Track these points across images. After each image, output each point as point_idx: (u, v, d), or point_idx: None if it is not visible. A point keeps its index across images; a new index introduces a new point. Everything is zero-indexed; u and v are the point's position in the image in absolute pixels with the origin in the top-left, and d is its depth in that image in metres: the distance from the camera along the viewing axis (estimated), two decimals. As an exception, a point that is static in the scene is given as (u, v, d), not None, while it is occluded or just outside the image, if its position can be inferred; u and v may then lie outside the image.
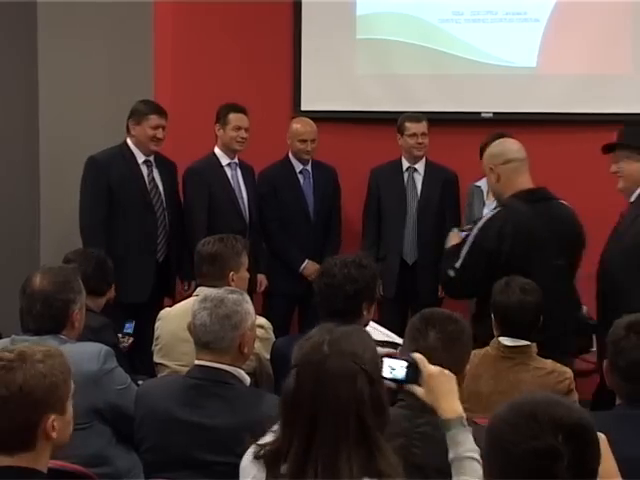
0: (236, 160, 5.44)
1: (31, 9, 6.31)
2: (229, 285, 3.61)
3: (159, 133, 5.14)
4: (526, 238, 3.92)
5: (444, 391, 2.26)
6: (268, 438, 2.08)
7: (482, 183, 5.40)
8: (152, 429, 2.85)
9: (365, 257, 3.49)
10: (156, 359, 3.75)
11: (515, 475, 1.58)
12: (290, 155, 5.67)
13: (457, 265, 3.98)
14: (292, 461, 1.95)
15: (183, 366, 3.40)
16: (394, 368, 2.27)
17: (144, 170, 5.17)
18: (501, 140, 4.32)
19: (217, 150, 5.41)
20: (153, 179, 5.20)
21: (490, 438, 1.64)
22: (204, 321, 2.89)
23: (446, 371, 2.30)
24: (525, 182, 4.08)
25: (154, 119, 5.12)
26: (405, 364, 2.28)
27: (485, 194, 5.38)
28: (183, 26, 6.16)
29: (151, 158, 5.20)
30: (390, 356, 2.28)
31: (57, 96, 6.32)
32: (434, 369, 2.28)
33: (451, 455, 2.22)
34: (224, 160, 5.40)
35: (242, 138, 5.35)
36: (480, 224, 4.02)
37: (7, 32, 6.32)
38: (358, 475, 1.91)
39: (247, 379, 2.90)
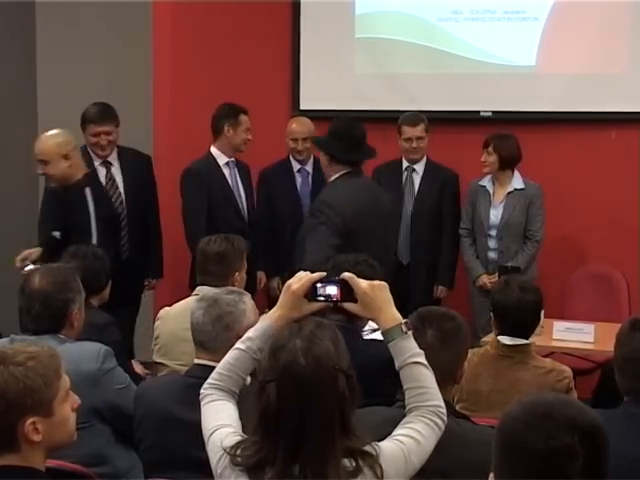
0: (233, 159, 5.43)
1: (29, 9, 6.31)
2: (233, 285, 3.59)
3: (102, 140, 5.08)
4: None
5: (380, 304, 2.28)
6: (234, 439, 2.10)
7: (487, 183, 5.37)
8: (151, 428, 2.85)
9: (371, 259, 3.51)
10: (155, 358, 3.76)
11: (529, 475, 1.57)
12: (290, 155, 5.70)
13: None
14: (280, 467, 1.97)
15: (182, 365, 3.40)
16: (327, 289, 2.29)
17: (101, 171, 5.13)
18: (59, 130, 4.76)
19: (214, 150, 5.37)
20: (112, 178, 5.15)
21: (503, 437, 1.63)
22: (198, 321, 2.90)
23: (375, 282, 2.30)
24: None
25: (92, 127, 5.09)
26: (336, 286, 2.29)
27: (492, 195, 5.35)
28: (182, 26, 6.16)
29: (111, 158, 5.16)
30: (320, 281, 2.29)
31: (56, 96, 6.33)
32: (365, 284, 2.28)
33: (397, 364, 2.25)
34: (222, 159, 5.37)
35: (249, 140, 5.37)
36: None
37: (6, 32, 6.32)
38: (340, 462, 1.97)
39: (247, 378, 2.89)
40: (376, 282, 2.31)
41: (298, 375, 1.97)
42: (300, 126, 5.62)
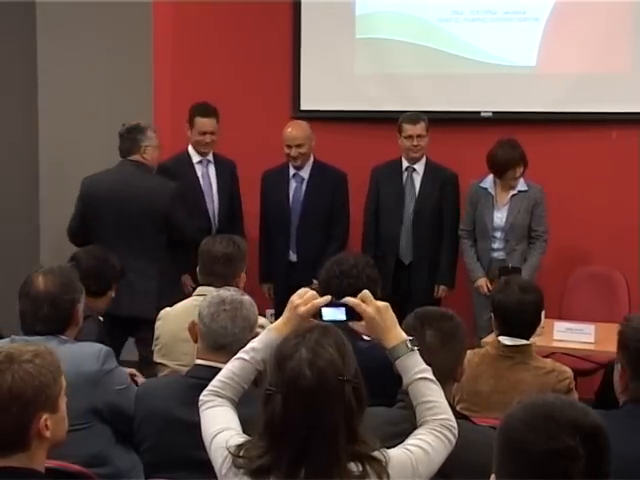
0: (210, 157, 5.44)
1: (29, 9, 6.31)
2: (237, 286, 3.58)
3: None
4: None
5: (386, 326, 2.29)
6: (238, 439, 2.10)
7: (488, 185, 5.34)
8: (152, 429, 2.85)
9: (371, 259, 3.53)
10: (156, 359, 3.75)
11: (530, 476, 1.57)
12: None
13: None
14: (284, 471, 1.97)
15: (183, 366, 3.40)
16: (332, 313, 2.31)
17: None
18: None
19: (190, 148, 5.44)
20: None
21: (505, 438, 1.63)
22: (225, 324, 2.83)
23: (381, 305, 2.31)
24: None
25: None
26: (342, 309, 2.31)
27: (495, 197, 5.32)
28: (182, 26, 6.16)
29: None
30: (327, 305, 2.31)
31: (56, 96, 6.33)
32: (372, 309, 2.29)
33: (404, 381, 2.27)
34: (196, 158, 5.41)
35: (207, 143, 5.37)
36: None
37: (6, 32, 6.32)
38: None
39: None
40: (381, 304, 2.32)
41: (304, 388, 1.97)
42: (294, 131, 5.48)
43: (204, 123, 5.34)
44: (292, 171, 5.54)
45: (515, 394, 3.19)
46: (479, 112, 5.87)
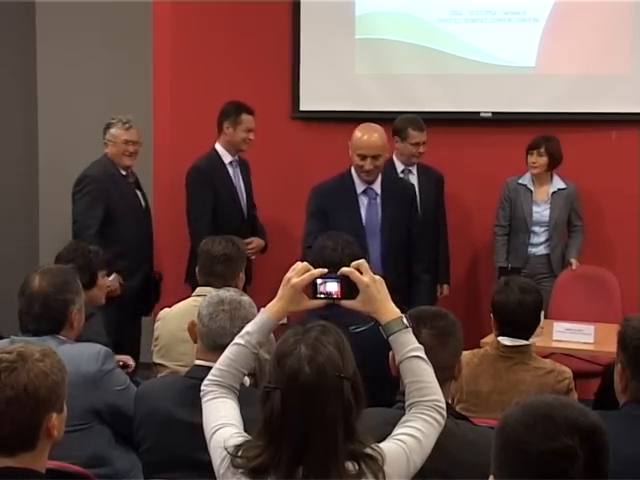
0: (237, 158, 5.45)
1: (29, 9, 6.31)
2: (236, 286, 3.58)
3: None
4: None
5: (381, 298, 2.28)
6: (237, 439, 2.10)
7: (527, 181, 5.41)
8: (151, 429, 2.84)
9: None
10: (155, 359, 3.75)
11: (529, 476, 1.57)
12: (353, 170, 4.67)
13: None
14: (283, 470, 1.97)
15: (182, 366, 3.40)
16: (327, 287, 2.27)
17: None
18: None
19: (219, 147, 5.40)
20: None
21: (503, 439, 1.63)
22: (223, 324, 2.84)
23: (376, 277, 2.30)
24: None
25: None
26: (337, 283, 2.27)
27: (534, 193, 5.40)
28: (182, 26, 6.17)
29: None
30: (321, 277, 2.27)
31: (56, 96, 6.33)
32: (368, 277, 2.27)
33: (397, 358, 2.26)
34: (227, 158, 5.40)
35: (250, 140, 5.36)
36: None
37: (6, 32, 6.32)
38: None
39: (247, 380, 2.89)
40: (376, 276, 2.31)
41: (303, 384, 1.97)
42: (370, 137, 4.57)
43: (251, 120, 5.34)
44: (361, 186, 4.65)
45: (515, 394, 3.19)
46: (478, 112, 5.87)
